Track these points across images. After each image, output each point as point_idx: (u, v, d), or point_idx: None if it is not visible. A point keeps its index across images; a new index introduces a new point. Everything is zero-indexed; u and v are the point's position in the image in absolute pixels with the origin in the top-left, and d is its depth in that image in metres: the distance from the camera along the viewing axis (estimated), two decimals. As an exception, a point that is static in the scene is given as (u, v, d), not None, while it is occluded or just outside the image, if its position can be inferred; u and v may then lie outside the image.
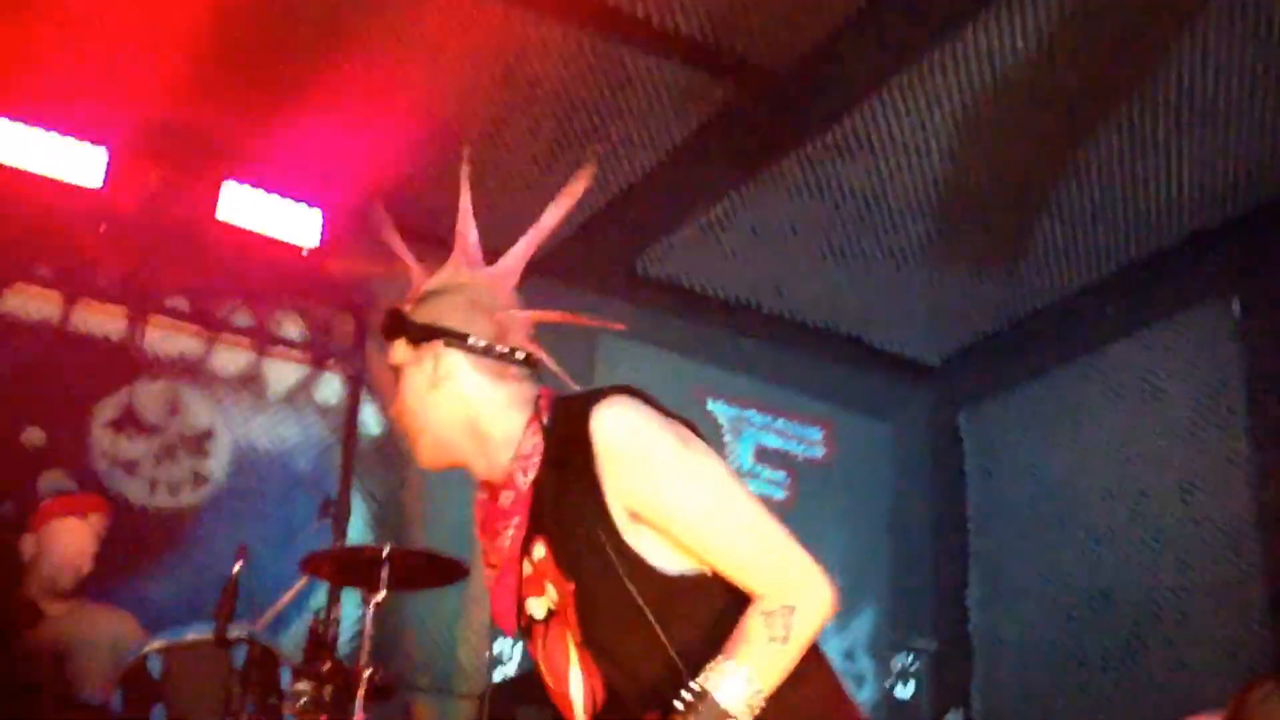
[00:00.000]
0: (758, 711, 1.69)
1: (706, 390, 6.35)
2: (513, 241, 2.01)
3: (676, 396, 6.12)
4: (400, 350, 1.94)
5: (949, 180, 5.20)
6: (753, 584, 1.75)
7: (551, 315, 2.01)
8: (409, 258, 2.02)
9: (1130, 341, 5.82)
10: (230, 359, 5.16)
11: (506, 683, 4.92)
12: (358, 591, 4.21)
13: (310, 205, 5.13)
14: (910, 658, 6.37)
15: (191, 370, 5.07)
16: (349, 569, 3.79)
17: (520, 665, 4.87)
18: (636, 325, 5.93)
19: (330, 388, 5.33)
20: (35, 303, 4.81)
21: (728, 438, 6.34)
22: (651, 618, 1.74)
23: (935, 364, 6.78)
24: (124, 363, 4.94)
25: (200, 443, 5.02)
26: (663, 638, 1.74)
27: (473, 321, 1.91)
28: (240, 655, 3.56)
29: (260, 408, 5.18)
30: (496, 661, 5.10)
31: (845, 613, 6.34)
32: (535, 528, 1.85)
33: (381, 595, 3.59)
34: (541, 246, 2.03)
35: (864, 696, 6.19)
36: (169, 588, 4.69)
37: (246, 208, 4.98)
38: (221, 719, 3.45)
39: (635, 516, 1.77)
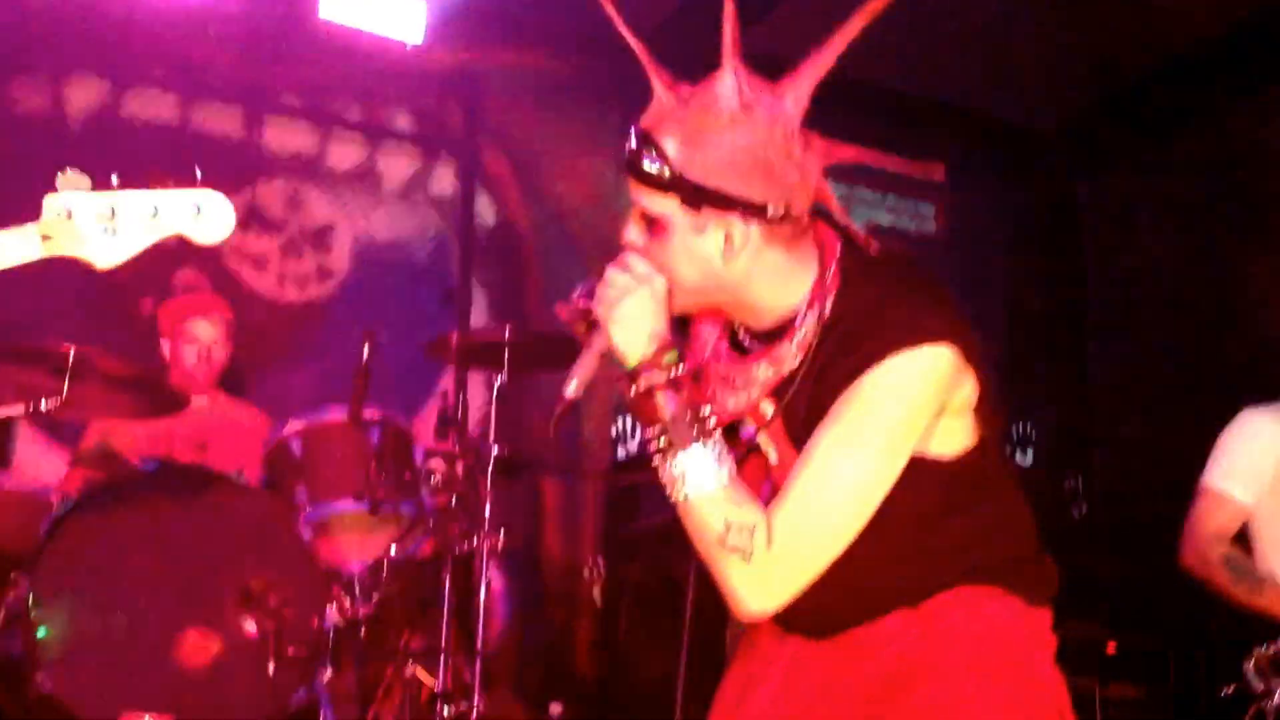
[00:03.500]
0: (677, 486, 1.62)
1: (815, 168, 6.22)
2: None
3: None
4: (668, 206, 1.62)
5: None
6: (780, 516, 1.60)
7: (857, 157, 1.73)
8: (660, 81, 1.67)
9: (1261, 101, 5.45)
10: (345, 154, 5.23)
11: (629, 459, 5.11)
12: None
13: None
14: (1028, 426, 6.41)
15: (309, 167, 5.16)
16: (473, 353, 3.94)
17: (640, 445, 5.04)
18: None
19: (444, 180, 5.40)
20: (155, 105, 4.90)
21: (837, 215, 6.25)
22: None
23: (1052, 132, 6.50)
24: (244, 162, 5.03)
25: (322, 237, 5.15)
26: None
27: (769, 185, 1.60)
28: (375, 435, 3.75)
29: (377, 201, 5.28)
30: (618, 439, 5.29)
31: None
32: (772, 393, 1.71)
33: (503, 378, 3.76)
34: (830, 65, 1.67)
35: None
36: (304, 376, 4.92)
37: (348, 4, 4.95)
38: (359, 495, 3.62)
39: None
